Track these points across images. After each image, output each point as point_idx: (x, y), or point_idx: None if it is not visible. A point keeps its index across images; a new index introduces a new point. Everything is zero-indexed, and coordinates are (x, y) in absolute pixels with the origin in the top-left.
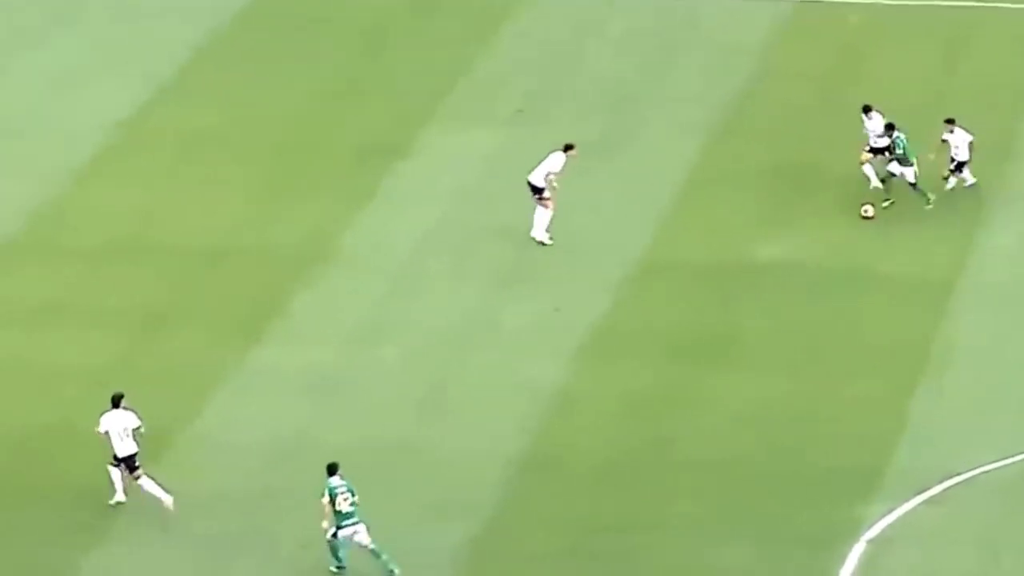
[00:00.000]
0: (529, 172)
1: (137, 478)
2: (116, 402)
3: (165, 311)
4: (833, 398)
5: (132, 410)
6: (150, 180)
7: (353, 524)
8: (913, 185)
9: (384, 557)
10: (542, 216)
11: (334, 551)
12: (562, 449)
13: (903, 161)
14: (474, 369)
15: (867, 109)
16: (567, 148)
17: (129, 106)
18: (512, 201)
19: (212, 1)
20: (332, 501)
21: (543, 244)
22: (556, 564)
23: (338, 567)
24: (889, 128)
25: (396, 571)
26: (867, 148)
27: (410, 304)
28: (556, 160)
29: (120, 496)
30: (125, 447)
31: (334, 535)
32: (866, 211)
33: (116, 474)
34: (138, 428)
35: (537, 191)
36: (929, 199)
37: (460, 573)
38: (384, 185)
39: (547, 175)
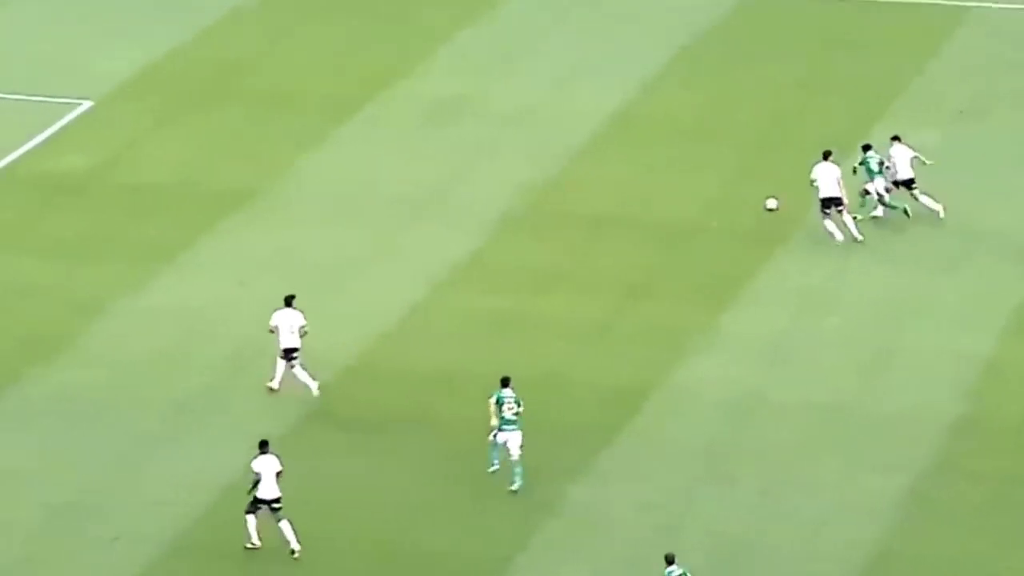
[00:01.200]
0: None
1: (293, 367)
2: (288, 301)
3: (645, 278)
4: None
5: (300, 311)
6: (637, 163)
7: (511, 431)
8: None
9: (517, 470)
10: (848, 220)
11: (491, 451)
12: (990, 412)
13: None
14: (911, 339)
15: None
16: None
17: (621, 97)
18: (947, 193)
19: (698, 4)
20: (499, 406)
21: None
22: (982, 513)
23: (494, 469)
24: (865, 148)
25: (516, 485)
26: None
27: (856, 279)
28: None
29: (275, 384)
30: (290, 341)
31: (495, 436)
32: (772, 204)
33: (281, 366)
34: (304, 326)
35: (834, 202)
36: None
37: (900, 520)
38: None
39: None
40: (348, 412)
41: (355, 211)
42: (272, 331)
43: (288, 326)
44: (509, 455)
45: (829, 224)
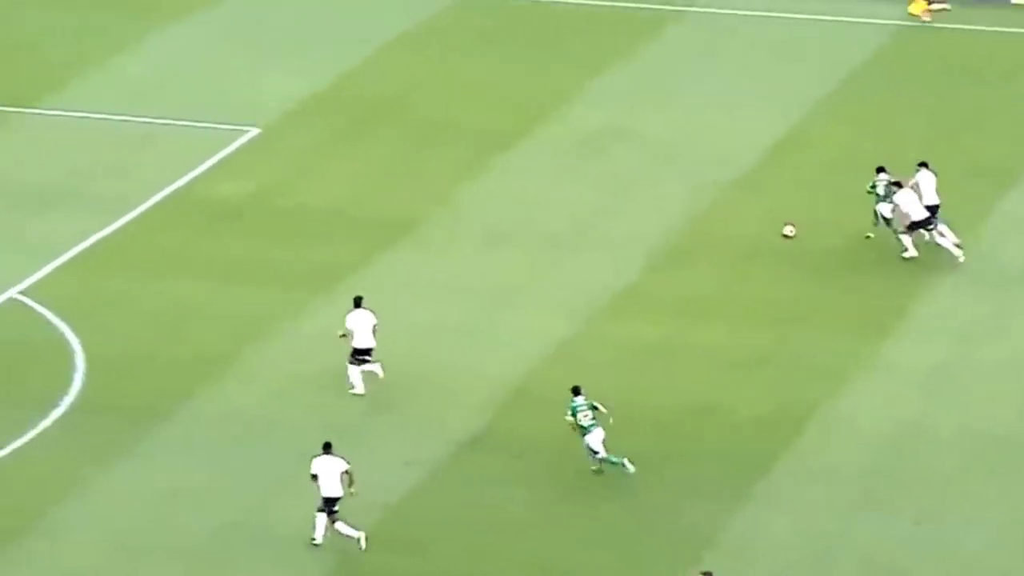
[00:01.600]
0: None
1: (363, 363)
2: (358, 303)
3: (802, 307)
4: None
5: (371, 311)
6: (791, 192)
7: (592, 432)
8: (887, 221)
9: (606, 457)
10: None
11: (606, 462)
12: None
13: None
14: None
15: None
16: None
17: (774, 128)
18: None
19: (852, 36)
20: (575, 416)
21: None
22: None
23: (624, 468)
24: (879, 170)
25: (630, 468)
26: None
27: (1019, 308)
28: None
29: (359, 389)
30: (366, 341)
31: (586, 445)
32: (789, 231)
33: (355, 371)
34: (375, 324)
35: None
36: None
37: None
38: (993, 206)
39: None
40: (505, 438)
41: (512, 240)
42: (345, 335)
43: (363, 327)
44: (596, 454)
45: (907, 240)
